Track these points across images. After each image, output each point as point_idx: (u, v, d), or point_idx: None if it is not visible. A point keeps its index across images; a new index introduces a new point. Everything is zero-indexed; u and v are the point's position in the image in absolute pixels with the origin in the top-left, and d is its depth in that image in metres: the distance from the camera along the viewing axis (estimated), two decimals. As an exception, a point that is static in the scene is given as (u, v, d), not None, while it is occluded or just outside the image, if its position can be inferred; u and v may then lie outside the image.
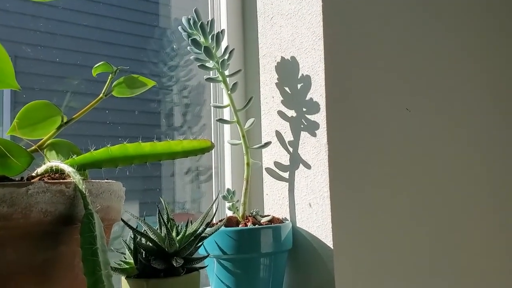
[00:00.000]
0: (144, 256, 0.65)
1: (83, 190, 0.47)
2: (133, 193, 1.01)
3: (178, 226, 0.68)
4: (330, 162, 0.76)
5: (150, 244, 0.63)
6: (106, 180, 0.54)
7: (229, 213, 0.87)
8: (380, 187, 0.85)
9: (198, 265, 0.66)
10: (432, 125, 0.95)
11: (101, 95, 0.69)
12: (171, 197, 1.00)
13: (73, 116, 0.67)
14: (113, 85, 0.69)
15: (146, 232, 0.65)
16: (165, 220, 0.67)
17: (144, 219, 0.67)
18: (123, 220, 0.61)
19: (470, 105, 1.02)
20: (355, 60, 0.83)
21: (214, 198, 0.94)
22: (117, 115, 0.91)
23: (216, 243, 0.73)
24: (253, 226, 0.75)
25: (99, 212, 0.50)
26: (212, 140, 0.94)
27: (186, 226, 0.66)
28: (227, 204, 0.84)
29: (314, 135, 0.79)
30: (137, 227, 0.67)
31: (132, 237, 0.65)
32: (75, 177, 0.48)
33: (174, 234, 0.66)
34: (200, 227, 0.66)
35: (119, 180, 0.57)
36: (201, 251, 0.76)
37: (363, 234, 0.81)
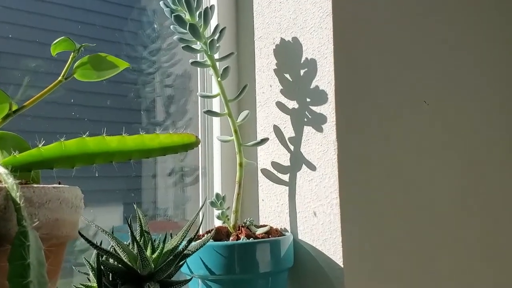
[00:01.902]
0: (111, 279, 0.52)
1: (17, 199, 0.35)
2: (113, 194, 0.88)
3: (155, 240, 0.56)
4: (340, 162, 0.65)
5: (119, 265, 0.51)
6: (55, 185, 0.42)
7: (218, 223, 0.75)
8: (399, 193, 0.73)
9: (178, 290, 0.54)
10: (452, 121, 0.84)
11: (59, 78, 0.56)
12: (151, 202, 0.88)
13: (24, 104, 0.55)
14: (75, 66, 0.57)
15: (114, 249, 0.53)
16: (138, 235, 0.55)
17: (111, 232, 0.55)
18: (82, 235, 0.49)
19: (492, 101, 0.92)
20: (370, 41, 0.72)
21: (200, 205, 0.82)
22: (85, 108, 0.79)
23: (202, 261, 0.61)
24: (247, 240, 0.63)
25: (42, 228, 0.38)
26: (199, 136, 0.82)
27: (164, 241, 0.54)
28: (216, 212, 0.72)
29: (320, 130, 0.67)
30: (113, 232, 0.55)
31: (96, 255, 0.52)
32: (7, 181, 0.36)
33: (149, 251, 0.54)
34: (181, 242, 0.54)
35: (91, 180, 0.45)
36: (183, 270, 0.64)
37: (380, 250, 0.69)
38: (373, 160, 0.71)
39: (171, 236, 0.58)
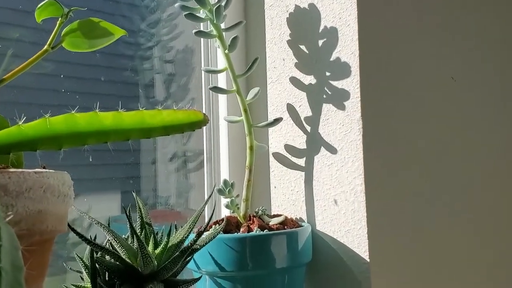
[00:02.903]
0: (107, 278, 0.46)
1: (-13, 187, 0.28)
2: (110, 182, 0.82)
3: (157, 233, 0.50)
4: (365, 144, 0.58)
5: (116, 262, 0.45)
6: (38, 170, 0.35)
7: (226, 212, 0.69)
8: (432, 179, 0.67)
9: (185, 291, 0.47)
10: (481, 99, 0.77)
11: (45, 47, 0.49)
12: (151, 190, 0.81)
13: (4, 77, 0.47)
14: (63, 33, 0.50)
15: (111, 244, 0.46)
16: (138, 227, 0.48)
17: (108, 224, 0.49)
18: (72, 229, 0.42)
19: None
20: (399, 5, 0.65)
21: (206, 192, 0.75)
22: (77, 83, 0.71)
23: (210, 255, 0.55)
24: (261, 232, 0.57)
25: (20, 222, 0.31)
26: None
27: (169, 234, 0.47)
28: (224, 201, 0.66)
29: (342, 107, 0.60)
30: (109, 224, 0.48)
31: (90, 252, 0.46)
32: (-25, 165, 0.29)
33: (151, 246, 0.48)
34: (188, 235, 0.48)
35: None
36: (189, 265, 0.57)
37: (410, 242, 0.63)
38: (402, 141, 0.64)
39: (175, 228, 0.52)
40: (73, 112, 0.40)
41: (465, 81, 0.75)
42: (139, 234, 0.48)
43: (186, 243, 0.47)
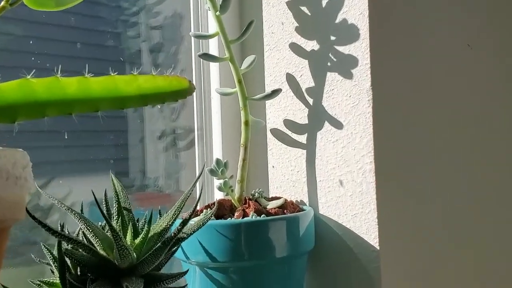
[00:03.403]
0: (79, 274, 0.40)
1: None
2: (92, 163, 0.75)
3: (138, 220, 0.44)
4: (376, 117, 0.51)
5: (89, 255, 0.39)
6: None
7: (220, 195, 0.63)
8: (448, 156, 0.61)
9: (171, 286, 0.41)
10: (501, 69, 0.71)
11: (2, 3, 0.42)
12: (138, 171, 0.75)
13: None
14: (23, -13, 0.43)
15: (84, 234, 0.40)
16: (115, 213, 0.42)
17: (80, 211, 0.43)
18: (31, 216, 0.36)
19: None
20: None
21: (197, 172, 0.69)
22: (54, 57, 0.64)
23: (200, 244, 0.49)
24: (257, 217, 0.50)
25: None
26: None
27: (149, 221, 0.41)
28: (217, 182, 0.60)
29: (349, 76, 0.53)
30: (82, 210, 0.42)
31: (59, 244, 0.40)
32: None
33: (129, 236, 0.41)
34: (173, 222, 0.42)
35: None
36: (177, 254, 0.51)
37: (427, 227, 0.57)
38: (417, 114, 0.57)
39: (160, 213, 0.46)
40: (28, 77, 0.33)
41: (482, 49, 0.69)
42: (116, 221, 0.41)
43: (173, 231, 0.41)
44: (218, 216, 0.55)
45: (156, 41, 0.78)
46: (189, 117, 0.71)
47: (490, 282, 0.68)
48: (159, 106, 0.74)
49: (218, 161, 0.57)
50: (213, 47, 0.67)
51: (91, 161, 0.75)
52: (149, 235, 0.41)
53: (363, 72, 0.52)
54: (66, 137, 0.66)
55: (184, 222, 0.39)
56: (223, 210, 0.56)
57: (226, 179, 0.57)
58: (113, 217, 0.42)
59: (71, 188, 0.71)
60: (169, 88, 0.38)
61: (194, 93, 0.68)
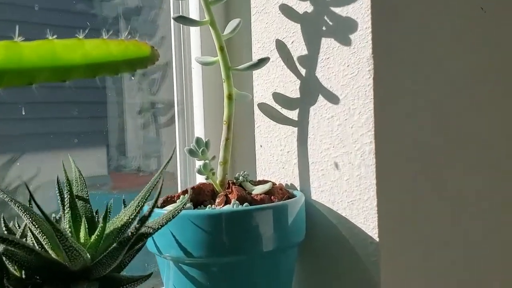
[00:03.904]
0: (24, 277, 0.34)
1: None
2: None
3: (97, 213, 0.38)
4: (377, 90, 0.45)
5: (30, 256, 0.33)
6: None
7: (201, 179, 0.57)
8: (456, 138, 0.54)
9: (133, 290, 0.36)
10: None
11: None
12: (114, 149, 0.68)
13: None
14: None
15: (30, 230, 0.34)
16: (67, 205, 0.36)
17: (28, 203, 0.36)
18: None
19: None
20: None
21: (179, 152, 0.63)
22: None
23: (174, 236, 0.43)
24: (239, 207, 0.44)
25: None
26: (174, 59, 0.61)
27: (105, 215, 0.35)
28: (197, 164, 0.54)
29: (347, 43, 0.46)
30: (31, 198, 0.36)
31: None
32: None
33: (83, 233, 0.35)
34: (135, 216, 0.35)
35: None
36: (149, 246, 0.46)
37: (432, 217, 0.51)
38: (425, 86, 0.51)
39: (124, 203, 0.40)
40: None
41: (498, 13, 0.61)
42: (67, 213, 0.35)
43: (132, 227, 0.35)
44: (197, 202, 0.49)
45: (134, 5, 0.70)
46: (169, 90, 0.64)
47: (497, 277, 0.62)
48: (132, 77, 0.67)
49: (198, 140, 0.51)
50: (193, 10, 0.59)
51: (66, 136, 0.69)
52: (106, 231, 0.35)
53: (363, 37, 0.45)
54: (23, 112, 0.59)
55: (143, 220, 0.33)
56: (203, 195, 0.50)
57: (207, 160, 0.51)
58: (65, 209, 0.36)
59: (40, 167, 0.64)
60: (124, 55, 0.31)
61: (174, 63, 0.61)
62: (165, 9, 0.67)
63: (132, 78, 0.67)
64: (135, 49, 0.32)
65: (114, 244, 0.32)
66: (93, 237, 0.34)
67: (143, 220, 0.32)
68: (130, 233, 0.32)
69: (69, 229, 0.34)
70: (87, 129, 0.69)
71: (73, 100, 0.69)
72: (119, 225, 0.35)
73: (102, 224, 0.34)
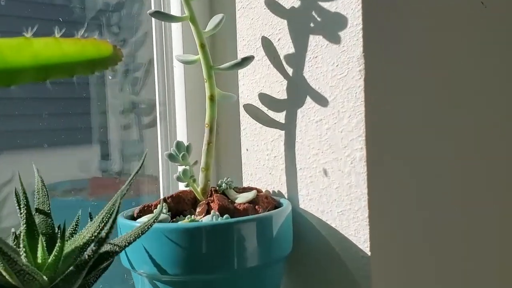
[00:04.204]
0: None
1: None
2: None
3: (60, 228, 0.35)
4: (368, 92, 0.42)
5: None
6: None
7: (182, 186, 0.54)
8: (454, 143, 0.51)
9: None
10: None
11: None
12: (92, 151, 0.65)
13: None
14: None
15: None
16: (23, 220, 0.33)
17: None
18: None
19: None
20: None
21: (161, 156, 0.59)
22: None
23: (147, 251, 0.40)
24: (219, 220, 0.41)
25: None
26: (155, 57, 0.58)
27: (63, 234, 0.31)
28: (179, 170, 0.51)
29: (336, 40, 0.43)
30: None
31: None
32: None
33: (41, 252, 0.32)
34: (100, 232, 0.32)
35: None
36: (124, 261, 0.43)
37: (427, 230, 0.48)
38: (420, 90, 0.47)
39: (90, 217, 0.36)
40: None
41: (498, 10, 0.58)
42: (23, 230, 0.32)
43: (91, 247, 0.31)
44: (177, 212, 0.46)
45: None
46: (151, 90, 0.61)
47: None
48: (109, 76, 0.64)
49: (178, 144, 0.48)
50: (176, 4, 0.56)
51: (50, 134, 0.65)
52: (67, 250, 0.32)
53: (353, 35, 0.42)
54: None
55: (100, 242, 0.29)
56: (183, 204, 0.47)
57: (187, 166, 0.47)
58: (22, 226, 0.32)
59: (16, 170, 0.61)
60: (81, 56, 0.28)
61: (155, 62, 0.58)
62: (147, 4, 0.64)
63: (110, 77, 0.64)
64: (94, 49, 0.29)
65: (71, 268, 0.29)
66: (51, 257, 0.31)
67: (100, 242, 0.29)
68: (87, 256, 0.29)
69: (23, 249, 0.30)
70: (65, 127, 0.66)
71: (50, 96, 0.66)
72: (81, 243, 0.32)
73: (59, 244, 0.30)
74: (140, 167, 0.35)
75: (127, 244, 0.33)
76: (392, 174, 0.45)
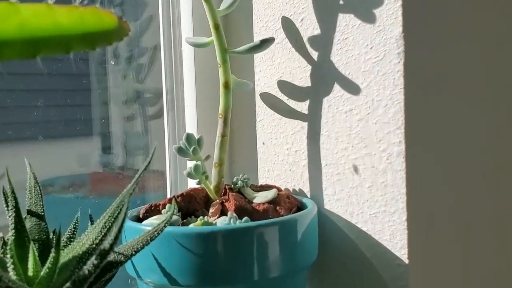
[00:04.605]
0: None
1: None
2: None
3: (53, 233, 0.30)
4: (408, 77, 0.36)
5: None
6: None
7: (193, 182, 0.49)
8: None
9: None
10: None
11: None
12: (93, 144, 0.60)
13: None
14: None
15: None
16: (12, 224, 0.28)
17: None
18: None
19: None
20: None
21: (168, 149, 0.55)
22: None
23: (155, 259, 0.35)
24: (238, 223, 0.36)
25: None
26: (161, 41, 0.53)
27: (58, 243, 0.26)
28: (188, 165, 0.46)
29: (370, 19, 0.38)
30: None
31: None
32: None
33: (32, 263, 0.27)
34: (101, 240, 0.27)
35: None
36: (128, 268, 0.38)
37: (475, 235, 0.43)
38: (467, 77, 0.42)
39: (90, 219, 0.32)
40: None
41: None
42: (12, 236, 0.27)
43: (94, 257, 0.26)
44: (188, 212, 0.42)
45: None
46: (157, 78, 0.56)
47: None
48: (112, 62, 0.59)
49: (188, 136, 0.43)
50: (185, -18, 0.51)
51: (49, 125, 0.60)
52: (64, 260, 0.27)
53: (390, 12, 0.37)
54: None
55: (103, 255, 0.25)
56: (194, 204, 0.42)
57: (199, 161, 0.42)
58: (9, 232, 0.28)
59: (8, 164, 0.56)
60: (78, 28, 0.23)
61: (162, 46, 0.53)
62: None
63: (112, 63, 0.59)
64: (95, 20, 0.24)
65: (68, 284, 0.24)
66: (44, 270, 0.26)
67: (103, 254, 0.24)
68: (87, 270, 0.24)
69: (11, 259, 0.26)
70: (64, 119, 0.61)
71: (48, 87, 0.61)
72: (80, 252, 0.27)
73: (54, 253, 0.26)
74: (149, 163, 0.31)
75: (134, 252, 0.28)
76: (435, 172, 0.40)
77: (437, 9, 0.39)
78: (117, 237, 0.24)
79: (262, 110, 0.48)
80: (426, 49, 0.38)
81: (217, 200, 0.42)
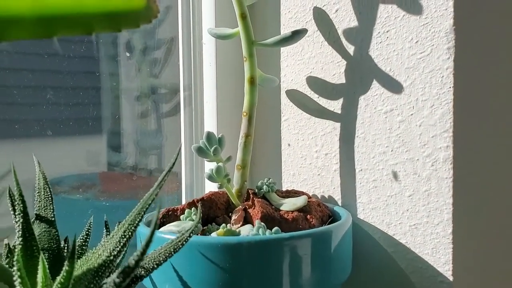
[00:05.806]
0: None
1: None
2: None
3: (65, 241, 0.27)
4: (459, 75, 0.33)
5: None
6: None
7: (212, 186, 0.46)
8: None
9: None
10: None
11: None
12: (103, 143, 0.57)
13: None
14: None
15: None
16: (19, 230, 0.25)
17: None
18: None
19: None
20: None
21: (184, 149, 0.52)
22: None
23: (175, 270, 0.32)
24: (268, 234, 0.33)
25: None
26: (180, 32, 0.50)
27: (72, 254, 0.23)
28: (208, 167, 0.43)
29: (416, 10, 0.35)
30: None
31: None
32: None
33: (41, 275, 0.24)
34: (120, 251, 0.24)
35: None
36: (145, 282, 0.35)
37: None
38: None
39: (106, 226, 0.29)
40: None
41: None
42: (19, 245, 0.24)
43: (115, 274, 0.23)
44: (208, 218, 0.39)
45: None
46: (174, 72, 0.53)
47: None
48: (128, 54, 0.56)
49: (209, 135, 0.40)
50: (207, -30, 0.48)
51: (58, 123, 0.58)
52: (77, 273, 0.24)
53: (440, 3, 0.33)
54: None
55: (125, 273, 0.21)
56: (215, 209, 0.39)
57: (220, 163, 0.39)
58: (16, 240, 0.25)
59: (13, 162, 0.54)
60: (102, 7, 0.20)
61: (180, 38, 0.50)
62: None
63: (127, 54, 0.56)
64: (121, -2, 0.21)
65: (95, 282, 0.21)
66: (55, 284, 0.23)
67: (127, 273, 0.21)
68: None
69: (18, 272, 0.23)
70: (73, 117, 0.58)
71: (55, 84, 0.58)
72: (96, 265, 0.24)
73: (68, 267, 0.23)
74: (174, 164, 0.28)
75: (155, 266, 0.25)
76: (486, 181, 0.36)
77: (492, 1, 0.36)
78: (143, 253, 0.21)
79: (288, 109, 0.45)
80: (478, 44, 0.35)
81: (240, 206, 0.39)
